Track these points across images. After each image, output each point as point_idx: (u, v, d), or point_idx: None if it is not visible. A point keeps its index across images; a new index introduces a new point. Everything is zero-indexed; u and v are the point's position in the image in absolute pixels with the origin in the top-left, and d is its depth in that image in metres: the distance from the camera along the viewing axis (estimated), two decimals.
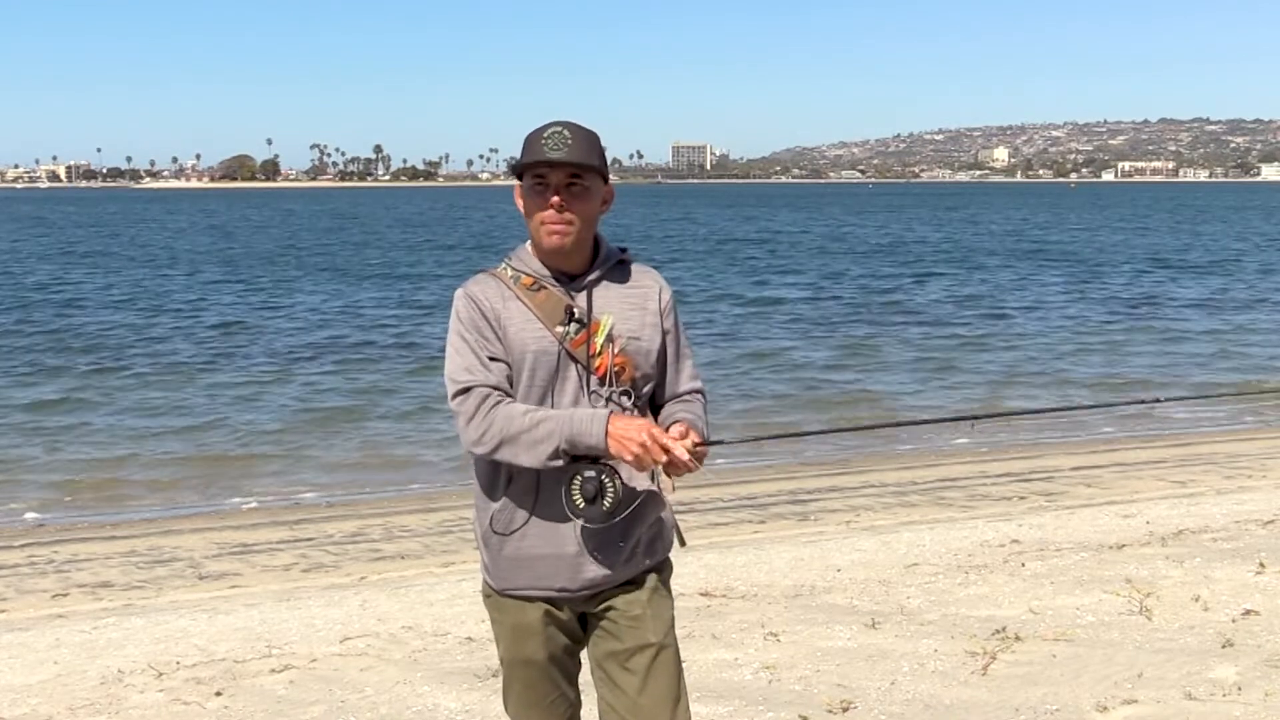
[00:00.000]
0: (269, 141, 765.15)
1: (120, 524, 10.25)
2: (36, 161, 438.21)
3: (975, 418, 3.10)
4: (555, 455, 2.62)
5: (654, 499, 2.84)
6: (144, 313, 26.83)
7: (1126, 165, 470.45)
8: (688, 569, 7.03)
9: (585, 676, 2.92)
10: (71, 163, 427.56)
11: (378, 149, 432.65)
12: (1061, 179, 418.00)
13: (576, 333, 2.72)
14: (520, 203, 2.77)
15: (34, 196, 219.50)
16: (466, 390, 2.68)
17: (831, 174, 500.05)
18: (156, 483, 11.64)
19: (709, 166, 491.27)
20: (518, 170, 2.75)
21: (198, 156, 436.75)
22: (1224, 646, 5.18)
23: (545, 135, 2.70)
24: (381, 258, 46.72)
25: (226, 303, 29.06)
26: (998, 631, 5.47)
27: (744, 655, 5.31)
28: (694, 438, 2.67)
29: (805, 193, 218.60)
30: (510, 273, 2.80)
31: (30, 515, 10.47)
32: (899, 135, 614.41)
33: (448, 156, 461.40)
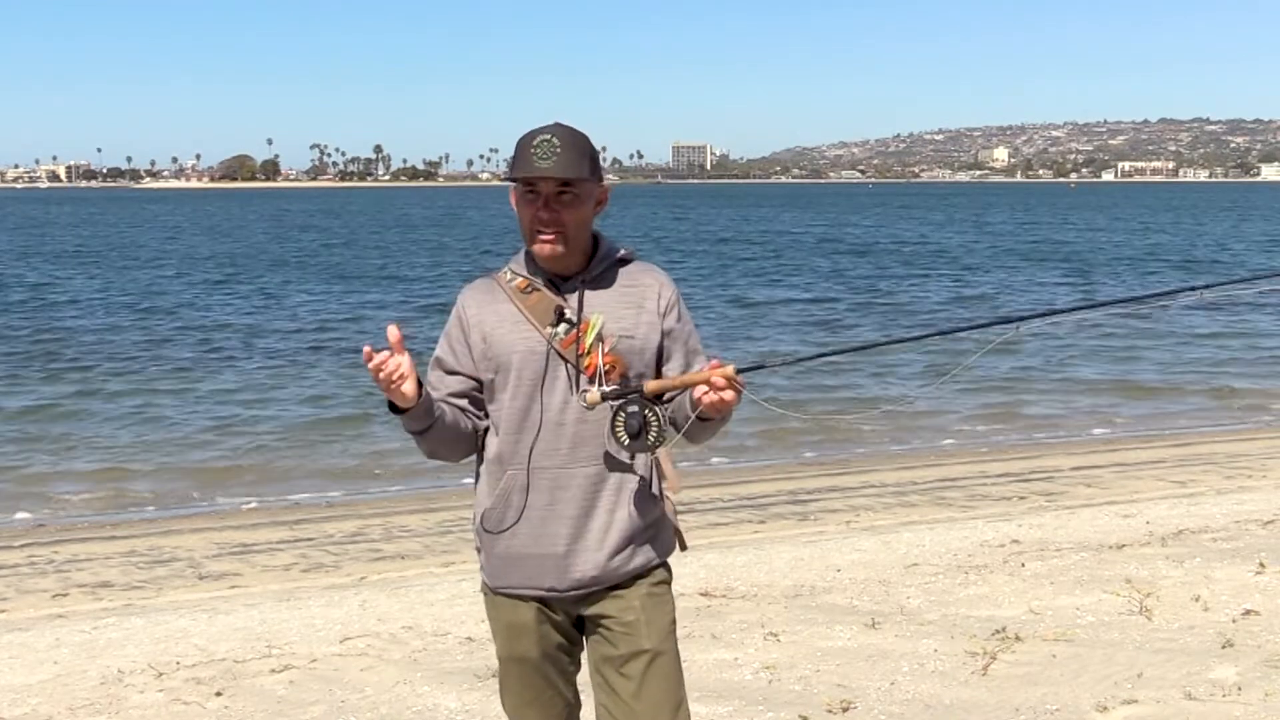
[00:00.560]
0: (269, 141, 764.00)
1: (120, 524, 10.24)
2: (36, 161, 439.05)
3: (1021, 318, 3.03)
4: (431, 439, 2.75)
5: (651, 499, 2.83)
6: (141, 315, 26.81)
7: (1126, 165, 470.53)
8: (688, 569, 7.02)
9: (584, 678, 2.92)
10: (71, 163, 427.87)
11: (378, 149, 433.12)
12: (1061, 179, 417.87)
13: (566, 333, 2.73)
14: (515, 207, 2.78)
15: (34, 196, 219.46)
16: None
17: (831, 174, 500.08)
18: (157, 491, 11.61)
19: (709, 166, 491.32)
20: (509, 179, 2.77)
21: (198, 156, 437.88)
22: (1224, 646, 5.18)
23: (534, 144, 2.69)
24: (382, 258, 46.69)
25: (225, 304, 29.05)
26: (998, 631, 5.47)
27: (744, 655, 5.31)
28: (729, 369, 2.60)
29: (805, 193, 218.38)
30: (508, 275, 2.83)
31: (21, 515, 10.44)
32: (899, 135, 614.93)
33: (448, 156, 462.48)
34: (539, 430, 2.74)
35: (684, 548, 2.96)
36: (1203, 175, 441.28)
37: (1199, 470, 11.06)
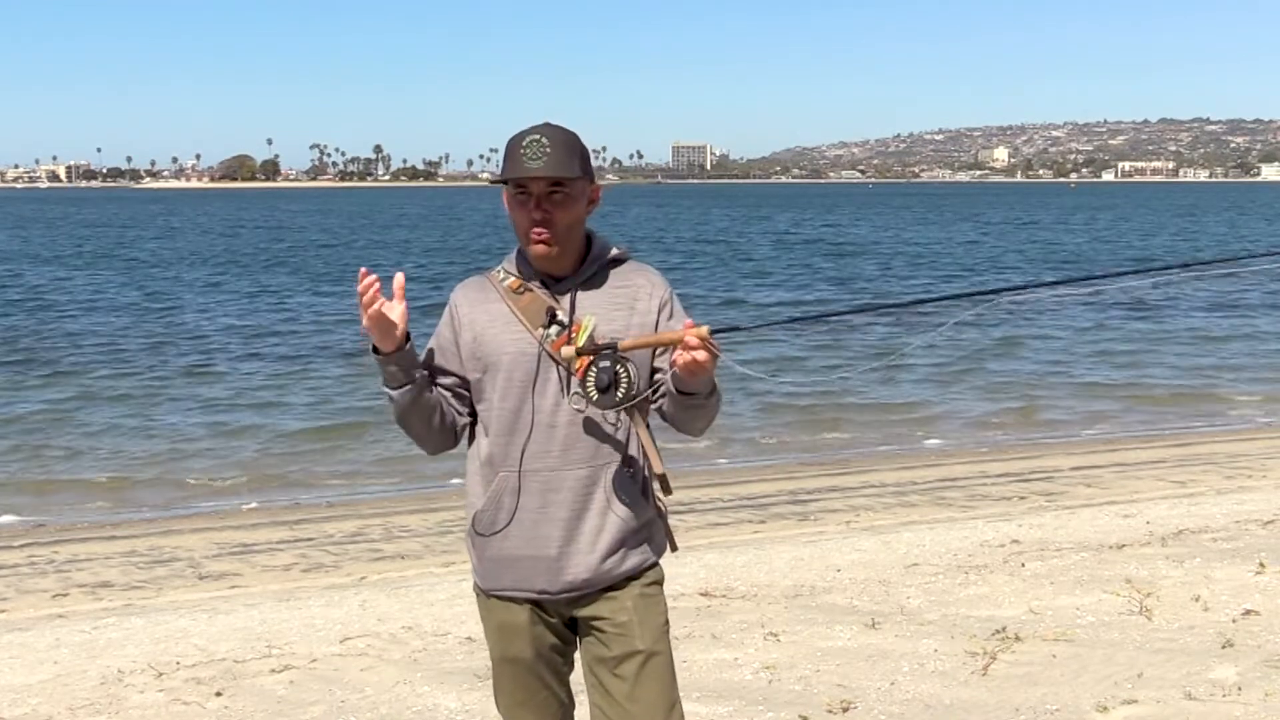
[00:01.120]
0: (269, 141, 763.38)
1: (120, 524, 10.24)
2: (36, 161, 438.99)
3: (996, 291, 3.00)
4: (409, 412, 2.77)
5: (643, 500, 2.82)
6: (141, 316, 26.82)
7: (1126, 165, 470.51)
8: (688, 569, 7.03)
9: (578, 679, 2.91)
10: (71, 163, 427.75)
11: (378, 149, 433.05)
12: (1061, 179, 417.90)
13: (558, 334, 2.72)
14: (507, 208, 2.78)
15: (34, 196, 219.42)
16: None
17: (831, 174, 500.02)
18: (157, 492, 11.61)
19: (709, 166, 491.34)
20: (500, 181, 2.76)
21: (198, 156, 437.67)
22: (1224, 646, 5.18)
23: (524, 145, 2.68)
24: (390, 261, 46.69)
25: (225, 306, 29.05)
26: (998, 631, 5.47)
27: (744, 655, 5.31)
28: (703, 329, 2.56)
29: (805, 193, 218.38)
30: (501, 275, 2.83)
31: (5, 518, 10.42)
32: (899, 135, 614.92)
33: (448, 156, 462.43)
34: (530, 432, 2.73)
35: (674, 549, 2.95)
36: (1203, 175, 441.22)
37: (1199, 470, 11.06)
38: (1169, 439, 13.22)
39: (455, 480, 10.71)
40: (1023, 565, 6.81)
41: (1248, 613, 5.66)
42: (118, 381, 17.40)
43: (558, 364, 2.72)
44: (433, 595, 6.82)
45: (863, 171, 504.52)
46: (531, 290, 2.77)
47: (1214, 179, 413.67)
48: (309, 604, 6.85)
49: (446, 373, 2.83)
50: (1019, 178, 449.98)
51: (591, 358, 2.62)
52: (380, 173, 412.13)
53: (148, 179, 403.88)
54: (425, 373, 2.77)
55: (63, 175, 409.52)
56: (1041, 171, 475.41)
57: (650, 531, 2.86)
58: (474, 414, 2.85)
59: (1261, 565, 6.46)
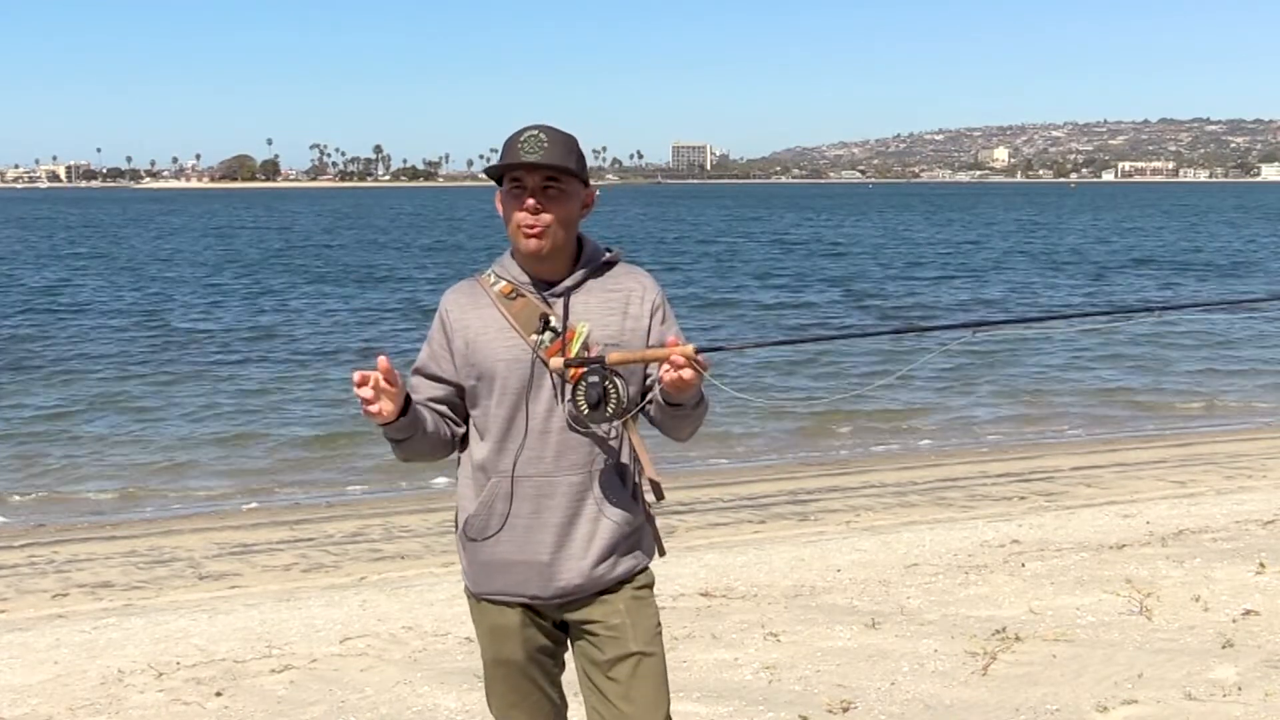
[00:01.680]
0: (269, 141, 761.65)
1: (120, 524, 10.25)
2: (36, 161, 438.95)
3: (978, 324, 3.00)
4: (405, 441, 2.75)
5: (634, 504, 2.82)
6: (141, 317, 26.82)
7: (1126, 165, 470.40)
8: (688, 569, 7.03)
9: (571, 677, 2.91)
10: (71, 163, 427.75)
11: (378, 149, 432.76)
12: (1061, 179, 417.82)
13: (551, 341, 2.70)
14: (500, 208, 2.77)
15: (33, 197, 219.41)
16: None
17: (831, 174, 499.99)
18: (157, 493, 11.60)
19: (709, 166, 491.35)
20: (496, 174, 2.74)
21: (198, 156, 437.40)
22: (1224, 647, 5.18)
23: (521, 139, 2.68)
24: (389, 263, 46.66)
25: (225, 307, 29.05)
26: (998, 631, 5.47)
27: (744, 655, 5.31)
28: (689, 348, 2.58)
29: (806, 193, 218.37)
30: (492, 279, 2.81)
31: (5, 519, 10.40)
32: (899, 135, 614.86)
33: (448, 156, 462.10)
34: (524, 438, 2.73)
35: (662, 553, 2.93)
36: (1203, 175, 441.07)
37: (1199, 470, 11.06)
38: (1169, 439, 13.23)
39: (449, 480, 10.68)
40: (1023, 565, 6.81)
41: (1248, 613, 5.66)
42: (118, 382, 17.41)
43: (552, 372, 2.70)
44: (433, 595, 6.82)
45: (863, 172, 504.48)
46: (524, 295, 2.75)
47: (1214, 179, 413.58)
48: (309, 604, 6.85)
49: (441, 381, 2.81)
50: (1019, 178, 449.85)
51: (582, 370, 2.63)
52: (380, 173, 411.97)
53: (148, 179, 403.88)
54: (425, 412, 2.76)
55: (63, 175, 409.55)
56: (1041, 171, 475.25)
57: (640, 536, 2.85)
58: (467, 420, 2.85)
59: (1261, 565, 6.46)
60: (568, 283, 2.75)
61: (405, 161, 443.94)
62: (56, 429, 14.09)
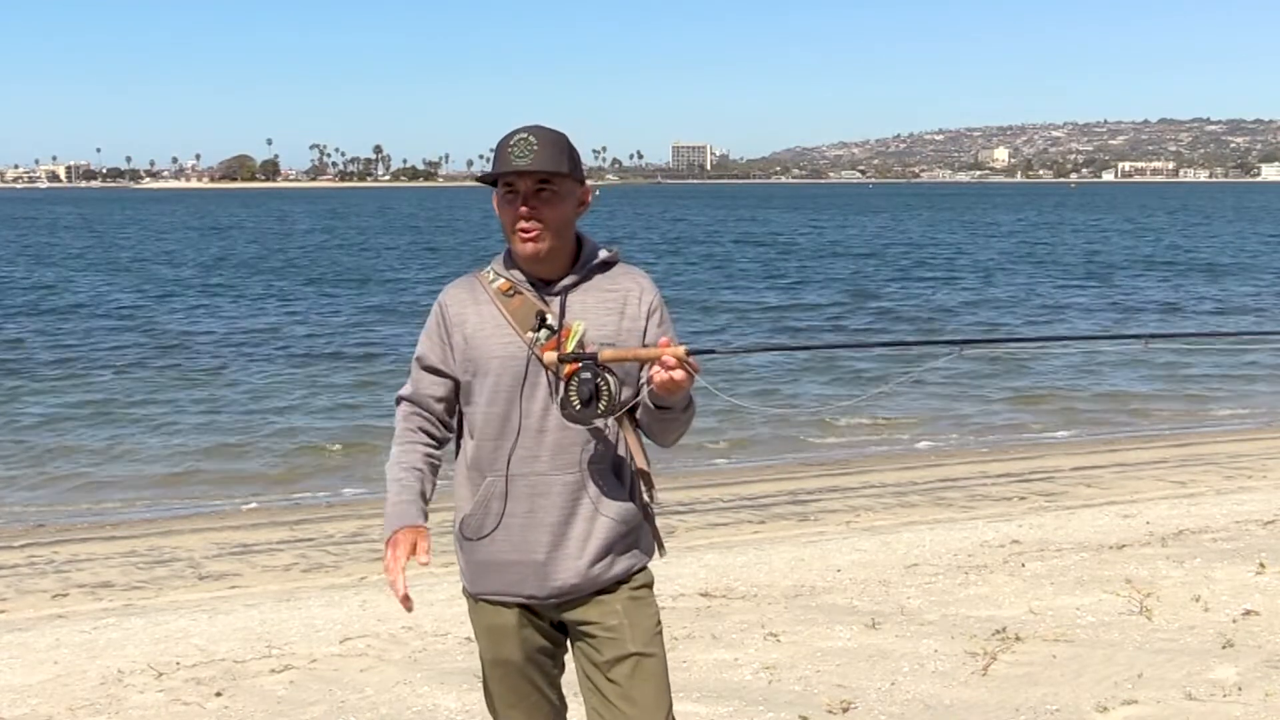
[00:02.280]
0: (269, 141, 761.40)
1: (120, 524, 10.24)
2: (36, 162, 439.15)
3: (965, 342, 3.00)
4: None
5: (631, 504, 2.81)
6: (141, 318, 26.81)
7: (1126, 165, 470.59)
8: (688, 569, 7.03)
9: (571, 677, 2.91)
10: (71, 163, 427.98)
11: (378, 149, 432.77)
12: (1062, 179, 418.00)
13: (547, 339, 2.70)
14: (497, 210, 2.77)
15: (33, 197, 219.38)
16: (399, 401, 2.89)
17: (831, 174, 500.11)
18: (157, 493, 11.60)
19: (709, 166, 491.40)
20: (490, 180, 2.75)
21: (197, 156, 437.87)
22: (1224, 647, 5.18)
23: (511, 143, 2.68)
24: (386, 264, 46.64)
25: (225, 307, 29.04)
26: (998, 632, 5.47)
27: (744, 655, 5.31)
28: (680, 349, 2.58)
29: (806, 193, 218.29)
30: (491, 276, 2.81)
31: (5, 519, 10.40)
32: (899, 135, 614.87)
33: (448, 156, 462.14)
34: (518, 437, 2.72)
35: (662, 552, 2.93)
36: (1203, 175, 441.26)
37: (1199, 470, 11.07)
38: (1169, 439, 13.23)
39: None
40: (1023, 565, 6.81)
41: (1248, 613, 5.66)
42: (118, 383, 17.41)
43: (546, 369, 2.70)
44: (433, 595, 6.82)
45: (863, 172, 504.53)
46: (522, 293, 2.75)
47: (1214, 179, 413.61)
48: (309, 604, 6.85)
49: (440, 375, 2.81)
50: (1019, 178, 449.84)
51: (576, 366, 2.63)
52: (380, 173, 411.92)
53: (147, 179, 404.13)
54: (422, 482, 2.82)
55: (62, 175, 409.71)
56: (1041, 172, 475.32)
57: (638, 535, 2.83)
58: (459, 418, 2.85)
59: (1261, 565, 6.46)
60: (566, 282, 2.76)
61: (405, 161, 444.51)
62: (56, 429, 14.10)
